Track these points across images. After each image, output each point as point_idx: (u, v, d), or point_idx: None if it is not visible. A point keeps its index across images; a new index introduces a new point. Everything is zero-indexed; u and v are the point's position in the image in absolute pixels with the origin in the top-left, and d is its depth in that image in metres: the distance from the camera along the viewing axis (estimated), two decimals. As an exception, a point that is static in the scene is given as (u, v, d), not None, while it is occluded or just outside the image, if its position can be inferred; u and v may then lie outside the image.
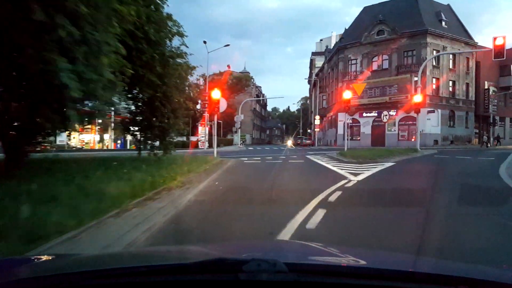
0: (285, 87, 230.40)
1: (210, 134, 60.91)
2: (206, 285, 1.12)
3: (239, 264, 1.06)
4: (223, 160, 15.90)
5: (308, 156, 20.09)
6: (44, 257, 1.88)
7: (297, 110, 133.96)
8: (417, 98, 22.05)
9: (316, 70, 69.80)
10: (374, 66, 43.73)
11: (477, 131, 46.33)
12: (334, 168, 12.54)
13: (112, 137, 44.56)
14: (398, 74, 40.94)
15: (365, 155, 16.63)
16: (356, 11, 49.76)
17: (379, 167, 12.90)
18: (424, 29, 39.69)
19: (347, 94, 19.91)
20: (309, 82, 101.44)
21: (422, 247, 3.64)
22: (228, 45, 34.71)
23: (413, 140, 42.14)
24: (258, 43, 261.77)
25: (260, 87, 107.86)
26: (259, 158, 19.17)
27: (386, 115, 21.80)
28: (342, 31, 66.35)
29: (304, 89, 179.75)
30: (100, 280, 1.16)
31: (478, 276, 1.25)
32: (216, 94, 16.88)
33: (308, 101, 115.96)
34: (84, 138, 45.87)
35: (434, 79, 41.12)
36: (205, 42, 32.41)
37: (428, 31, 39.56)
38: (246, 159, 18.88)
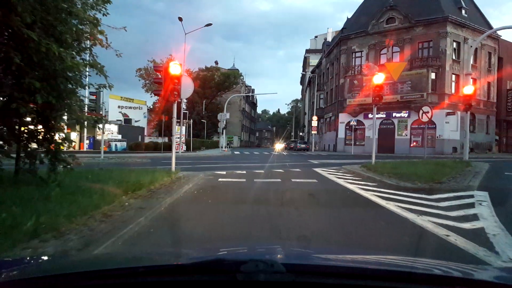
0: (276, 90, 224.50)
1: (193, 135, 54.13)
2: (204, 285, 1.10)
3: (237, 265, 1.06)
4: (180, 178, 9.22)
5: (317, 170, 13.51)
6: (44, 258, 1.91)
7: (287, 113, 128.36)
8: (468, 89, 15.73)
9: (311, 68, 63.71)
10: (383, 60, 37.58)
11: (497, 137, 40.52)
12: (400, 211, 5.97)
13: (79, 136, 37.71)
14: (412, 69, 34.78)
15: (412, 172, 10.12)
16: (348, 16, 43.68)
17: (478, 207, 6.42)
18: (443, 16, 33.70)
19: (378, 78, 13.47)
20: (301, 83, 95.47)
21: None
22: (210, 24, 28.07)
23: (411, 144, 36.37)
24: (249, 45, 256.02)
25: (250, 86, 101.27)
26: (244, 172, 12.51)
27: (428, 111, 15.32)
28: (336, 32, 60.36)
29: (295, 93, 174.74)
30: (99, 280, 1.14)
31: (475, 277, 1.26)
32: (175, 68, 10.21)
33: (299, 104, 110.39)
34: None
35: (453, 76, 35.07)
36: (180, 19, 25.63)
37: (449, 18, 33.57)
38: (225, 173, 12.20)
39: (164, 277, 1.13)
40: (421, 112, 15.65)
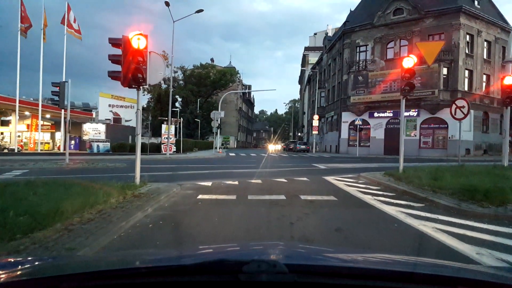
0: (275, 91, 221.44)
1: (186, 136, 51.07)
2: (206, 286, 1.09)
3: (239, 265, 1.05)
4: (140, 197, 6.33)
5: (328, 179, 10.65)
6: (46, 258, 1.87)
7: (285, 113, 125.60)
8: (510, 79, 12.92)
9: (310, 67, 60.95)
10: (390, 54, 34.85)
11: (511, 138, 37.77)
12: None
13: (63, 136, 34.68)
14: (421, 64, 31.89)
15: (464, 185, 7.27)
16: (345, 17, 40.56)
17: None
18: (457, 7, 30.97)
19: (408, 62, 10.70)
20: (300, 82, 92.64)
21: None
22: (201, 10, 25.07)
23: (421, 145, 33.53)
24: (247, 46, 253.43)
25: (248, 85, 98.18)
26: (236, 183, 9.62)
27: (463, 106, 12.51)
28: (336, 29, 57.38)
29: (293, 94, 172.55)
30: (101, 281, 1.14)
31: (477, 277, 1.25)
32: (139, 40, 7.33)
33: (297, 104, 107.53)
34: (30, 138, 36.03)
35: (467, 71, 32.32)
36: (167, 3, 22.66)
37: (462, 9, 30.79)
38: (210, 184, 9.31)
39: (166, 277, 1.11)
40: (453, 107, 12.81)
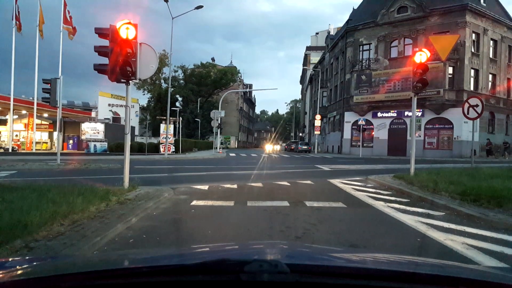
0: (276, 92, 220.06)
1: (186, 135, 50.40)
2: (208, 285, 1.08)
3: (240, 265, 1.04)
4: (126, 203, 5.64)
5: (334, 182, 9.93)
6: (46, 258, 1.87)
7: (286, 113, 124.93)
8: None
9: (312, 66, 60.25)
10: (393, 53, 34.11)
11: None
12: None
13: (61, 135, 33.99)
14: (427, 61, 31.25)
15: (487, 191, 6.56)
16: (348, 17, 39.41)
17: None
18: (462, 4, 30.25)
19: (421, 56, 9.98)
20: (301, 82, 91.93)
21: None
22: (201, 6, 24.34)
23: (425, 146, 32.65)
24: (250, 46, 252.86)
25: (250, 84, 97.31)
26: (235, 186, 8.91)
27: (477, 105, 11.71)
28: (338, 28, 56.68)
29: (295, 94, 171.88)
30: (102, 280, 1.12)
31: (478, 277, 1.23)
32: (127, 30, 6.64)
33: (298, 104, 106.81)
34: (27, 137, 35.40)
35: (473, 70, 31.56)
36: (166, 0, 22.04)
37: (468, 6, 30.05)
38: (206, 187, 8.60)
39: (168, 277, 1.10)
40: (466, 105, 12.03)
